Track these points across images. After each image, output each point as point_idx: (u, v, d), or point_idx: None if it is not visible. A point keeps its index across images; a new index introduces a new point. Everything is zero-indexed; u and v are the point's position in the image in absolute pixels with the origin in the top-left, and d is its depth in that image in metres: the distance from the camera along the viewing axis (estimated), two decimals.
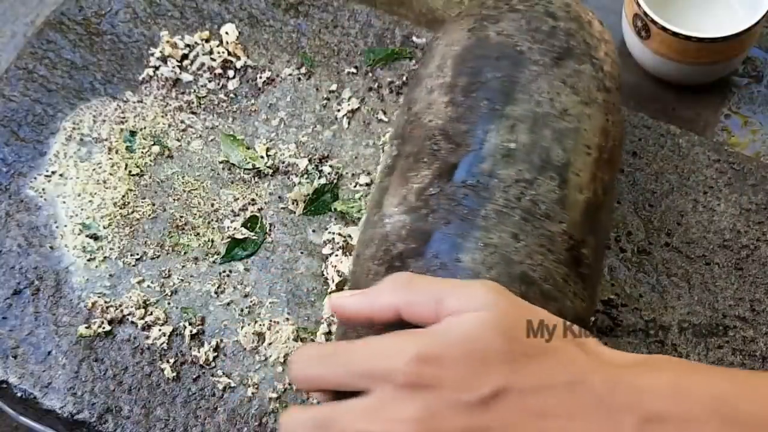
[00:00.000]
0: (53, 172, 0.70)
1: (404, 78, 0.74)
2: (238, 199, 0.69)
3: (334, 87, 0.74)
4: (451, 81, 0.56)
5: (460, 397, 0.42)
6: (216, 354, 0.64)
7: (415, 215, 0.52)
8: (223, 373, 0.63)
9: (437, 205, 0.52)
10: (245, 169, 0.70)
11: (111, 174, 0.70)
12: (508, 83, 0.54)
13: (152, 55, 0.75)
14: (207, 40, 0.76)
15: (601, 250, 0.55)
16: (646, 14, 0.72)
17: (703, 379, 0.44)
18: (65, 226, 0.68)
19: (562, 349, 0.44)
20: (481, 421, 0.42)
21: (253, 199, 0.69)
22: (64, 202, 0.69)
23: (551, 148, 0.52)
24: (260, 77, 0.74)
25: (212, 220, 0.69)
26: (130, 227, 0.68)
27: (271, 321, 0.65)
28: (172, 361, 0.63)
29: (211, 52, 0.75)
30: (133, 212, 0.69)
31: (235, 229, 0.68)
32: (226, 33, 0.76)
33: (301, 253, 0.67)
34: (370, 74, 0.74)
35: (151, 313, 0.65)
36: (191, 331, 0.64)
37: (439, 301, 0.45)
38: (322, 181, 0.70)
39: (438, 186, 0.52)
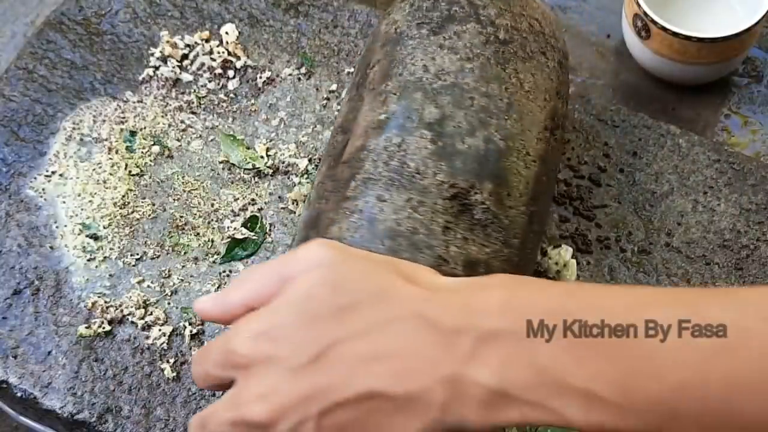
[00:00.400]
0: (53, 172, 0.70)
1: None
2: (238, 199, 0.69)
3: (334, 87, 0.74)
4: (354, 81, 0.61)
5: (294, 363, 0.42)
6: None
7: (311, 208, 0.56)
8: None
9: (323, 191, 0.56)
10: (245, 169, 0.70)
11: (111, 174, 0.70)
12: (387, 63, 0.58)
13: (152, 55, 0.75)
14: (207, 40, 0.76)
15: (510, 193, 0.55)
16: (646, 14, 0.72)
17: (536, 294, 0.43)
18: (65, 226, 0.68)
19: (392, 288, 0.44)
20: (317, 381, 0.42)
21: (253, 199, 0.69)
22: (64, 202, 0.69)
23: (423, 108, 0.55)
24: (260, 77, 0.74)
25: (212, 220, 0.69)
26: (130, 227, 0.68)
27: None
28: (172, 361, 0.63)
29: (211, 52, 0.75)
30: (133, 212, 0.69)
31: (235, 229, 0.68)
32: (226, 33, 0.76)
33: None
34: None
35: (151, 313, 0.65)
36: (191, 331, 0.64)
37: (279, 275, 0.45)
38: None
39: (326, 175, 0.57)
